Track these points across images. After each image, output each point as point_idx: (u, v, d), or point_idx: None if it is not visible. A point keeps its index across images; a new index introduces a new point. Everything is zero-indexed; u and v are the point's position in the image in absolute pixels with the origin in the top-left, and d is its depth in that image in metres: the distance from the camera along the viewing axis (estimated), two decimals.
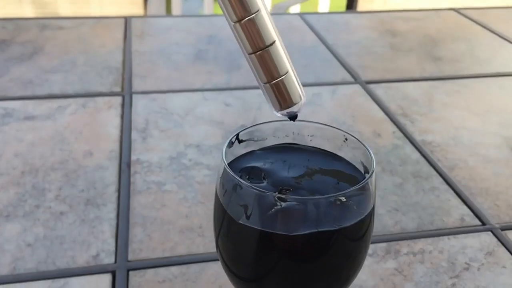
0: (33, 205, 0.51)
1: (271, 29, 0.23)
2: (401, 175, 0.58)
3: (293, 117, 0.26)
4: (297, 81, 0.24)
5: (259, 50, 0.22)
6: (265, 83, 0.23)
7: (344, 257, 0.29)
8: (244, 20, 0.22)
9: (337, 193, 0.26)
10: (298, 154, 0.32)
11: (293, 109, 0.25)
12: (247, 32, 0.22)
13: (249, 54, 0.22)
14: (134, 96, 0.72)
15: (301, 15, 1.06)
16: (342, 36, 0.96)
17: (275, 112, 0.25)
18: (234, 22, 0.22)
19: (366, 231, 0.29)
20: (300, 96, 0.25)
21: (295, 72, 0.24)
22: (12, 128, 0.63)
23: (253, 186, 0.26)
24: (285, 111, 0.25)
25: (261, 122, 0.32)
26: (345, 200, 0.27)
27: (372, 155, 0.29)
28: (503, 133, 0.67)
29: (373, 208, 0.29)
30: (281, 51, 0.23)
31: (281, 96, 0.24)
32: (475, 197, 0.55)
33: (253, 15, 0.22)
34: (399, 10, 1.11)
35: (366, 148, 0.29)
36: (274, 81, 0.23)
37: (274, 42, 0.22)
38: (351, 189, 0.26)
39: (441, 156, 0.62)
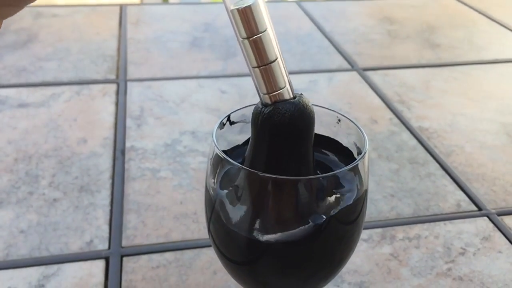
0: (26, 192, 0.50)
1: (275, 48, 0.24)
2: (398, 161, 0.58)
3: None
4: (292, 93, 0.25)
5: (263, 65, 0.24)
6: (264, 94, 0.24)
7: (336, 240, 0.29)
8: (253, 38, 0.23)
9: (329, 173, 0.26)
10: None
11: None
12: (255, 48, 0.23)
13: (253, 67, 0.24)
14: (129, 83, 0.71)
15: (298, 2, 1.05)
16: (339, 23, 0.95)
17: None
18: (243, 39, 0.23)
19: (359, 213, 0.28)
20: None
21: (291, 85, 0.25)
22: (6, 116, 0.62)
23: (243, 167, 0.25)
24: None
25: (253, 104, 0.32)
26: (336, 181, 0.26)
27: (365, 135, 0.28)
28: (500, 120, 0.66)
29: (366, 191, 0.28)
30: (281, 67, 0.24)
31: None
32: (472, 183, 0.55)
33: (261, 34, 0.23)
34: None
35: (359, 128, 0.29)
36: (272, 94, 0.24)
37: (276, 59, 0.23)
38: (343, 169, 0.26)
39: (438, 142, 0.61)
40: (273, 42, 0.24)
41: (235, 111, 0.30)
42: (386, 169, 0.56)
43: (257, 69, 0.24)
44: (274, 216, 0.26)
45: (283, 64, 0.25)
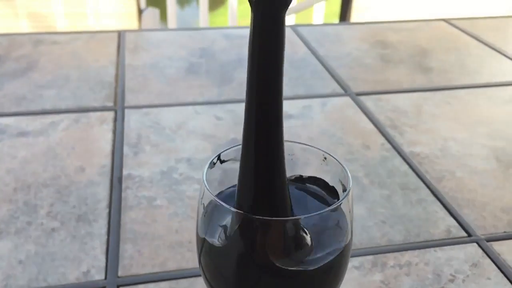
0: (25, 222, 0.52)
1: None
2: (389, 187, 0.59)
3: None
4: None
5: None
6: None
7: (324, 271, 0.30)
8: None
9: (313, 213, 0.27)
10: None
11: None
12: None
13: None
14: (126, 110, 0.73)
15: (293, 27, 1.07)
16: (333, 47, 0.97)
17: None
18: None
19: (345, 247, 0.29)
20: None
21: None
22: (5, 145, 0.64)
23: (228, 206, 0.27)
24: None
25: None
26: (322, 219, 0.27)
27: (349, 174, 0.29)
28: (491, 144, 0.68)
29: (351, 223, 0.30)
30: None
31: None
32: (462, 209, 0.56)
33: None
34: (390, 21, 1.12)
35: (343, 166, 0.30)
36: None
37: None
38: (326, 209, 0.27)
39: (429, 167, 0.63)
40: None
41: (224, 151, 0.31)
42: (378, 195, 0.57)
43: None
44: (261, 253, 0.27)
45: None
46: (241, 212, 0.27)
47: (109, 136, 0.66)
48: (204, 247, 0.29)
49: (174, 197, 0.56)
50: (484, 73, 0.89)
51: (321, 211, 0.26)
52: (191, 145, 0.65)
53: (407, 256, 0.49)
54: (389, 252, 0.50)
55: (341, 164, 0.30)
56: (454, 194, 0.58)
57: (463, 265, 0.48)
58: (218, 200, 0.27)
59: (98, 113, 0.72)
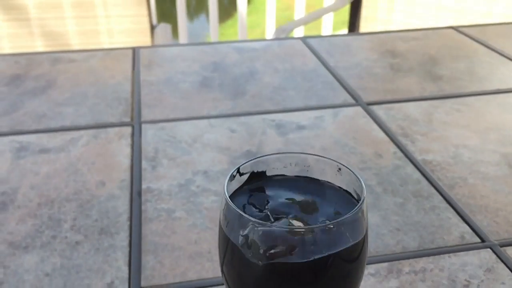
0: (49, 236, 0.53)
1: None
2: (402, 195, 0.60)
3: None
4: None
5: None
6: None
7: (341, 280, 0.31)
8: None
9: (330, 222, 0.28)
10: (296, 184, 0.34)
11: None
12: None
13: None
14: (143, 125, 0.75)
15: (303, 39, 1.09)
16: (343, 58, 0.99)
17: None
18: None
19: (360, 253, 0.31)
20: None
21: None
22: (28, 161, 0.66)
23: (251, 219, 0.28)
24: None
25: (261, 155, 0.34)
26: (339, 227, 0.29)
27: (363, 184, 0.31)
28: (502, 150, 0.69)
29: (366, 231, 0.31)
30: None
31: None
32: (475, 215, 0.57)
33: None
34: (399, 31, 1.14)
35: (357, 177, 0.31)
36: None
37: None
38: (343, 217, 0.28)
39: (441, 175, 0.64)
40: None
41: (244, 163, 0.33)
42: (391, 203, 0.59)
43: None
44: (283, 262, 0.29)
45: None
46: (262, 222, 0.28)
47: (127, 150, 0.68)
48: (226, 255, 0.31)
49: (192, 208, 0.57)
50: (494, 80, 0.90)
51: (342, 218, 0.28)
52: (207, 158, 0.67)
53: (422, 262, 0.50)
54: (404, 259, 0.51)
55: (355, 174, 0.32)
56: (467, 200, 0.59)
57: (477, 271, 0.49)
58: (239, 211, 0.28)
59: (116, 129, 0.74)
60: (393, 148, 0.69)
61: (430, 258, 0.51)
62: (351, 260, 0.30)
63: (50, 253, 0.51)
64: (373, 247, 0.52)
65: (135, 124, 0.75)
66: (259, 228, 0.28)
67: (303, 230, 0.28)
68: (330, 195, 0.34)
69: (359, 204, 0.29)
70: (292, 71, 0.93)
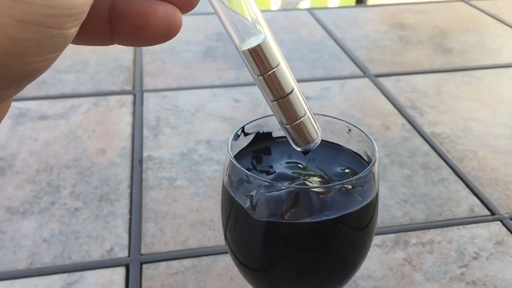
0: (48, 201, 0.52)
1: (290, 79, 0.24)
2: (410, 167, 0.58)
3: (307, 151, 0.26)
4: (313, 119, 0.25)
5: (280, 98, 0.24)
6: (285, 124, 0.24)
7: (349, 244, 0.30)
8: (267, 74, 0.23)
9: (340, 182, 0.27)
10: None
11: (310, 145, 0.25)
12: (270, 83, 0.23)
13: (271, 101, 0.24)
14: (145, 94, 0.73)
15: (309, 10, 1.06)
16: (351, 30, 0.96)
17: (294, 147, 0.26)
18: (257, 76, 0.23)
19: (370, 218, 0.29)
20: (317, 133, 0.25)
21: (311, 111, 0.25)
22: (27, 128, 0.64)
23: (258, 177, 0.27)
24: (302, 148, 0.26)
25: (267, 115, 0.33)
26: (348, 188, 0.27)
27: (375, 144, 0.29)
28: None
29: (377, 195, 0.29)
30: (298, 96, 0.24)
31: (300, 136, 0.25)
32: (485, 188, 0.55)
33: (274, 69, 0.23)
34: (408, 3, 1.11)
35: (368, 137, 0.30)
36: (293, 123, 0.24)
37: (293, 90, 0.23)
38: (354, 177, 0.27)
39: (451, 147, 0.62)
40: (287, 74, 0.23)
41: (249, 122, 0.31)
42: (399, 175, 0.57)
43: (275, 102, 0.24)
44: (289, 222, 0.27)
45: (299, 91, 0.24)
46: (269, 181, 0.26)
47: (128, 119, 0.67)
48: (230, 219, 0.29)
49: (194, 177, 0.56)
50: (505, 53, 0.87)
51: (352, 178, 0.26)
52: (210, 127, 0.65)
53: (430, 234, 0.49)
54: (411, 230, 0.49)
55: (367, 135, 0.30)
56: (476, 173, 0.57)
57: (487, 243, 0.48)
58: (244, 171, 0.27)
59: (117, 97, 0.72)
60: (401, 120, 0.67)
61: (438, 230, 0.49)
62: (360, 224, 0.29)
63: (49, 219, 0.50)
64: (379, 219, 0.51)
65: (137, 92, 0.73)
66: (266, 189, 0.27)
67: (312, 189, 0.27)
68: (340, 157, 0.32)
69: (371, 164, 0.28)
70: (298, 43, 0.90)
